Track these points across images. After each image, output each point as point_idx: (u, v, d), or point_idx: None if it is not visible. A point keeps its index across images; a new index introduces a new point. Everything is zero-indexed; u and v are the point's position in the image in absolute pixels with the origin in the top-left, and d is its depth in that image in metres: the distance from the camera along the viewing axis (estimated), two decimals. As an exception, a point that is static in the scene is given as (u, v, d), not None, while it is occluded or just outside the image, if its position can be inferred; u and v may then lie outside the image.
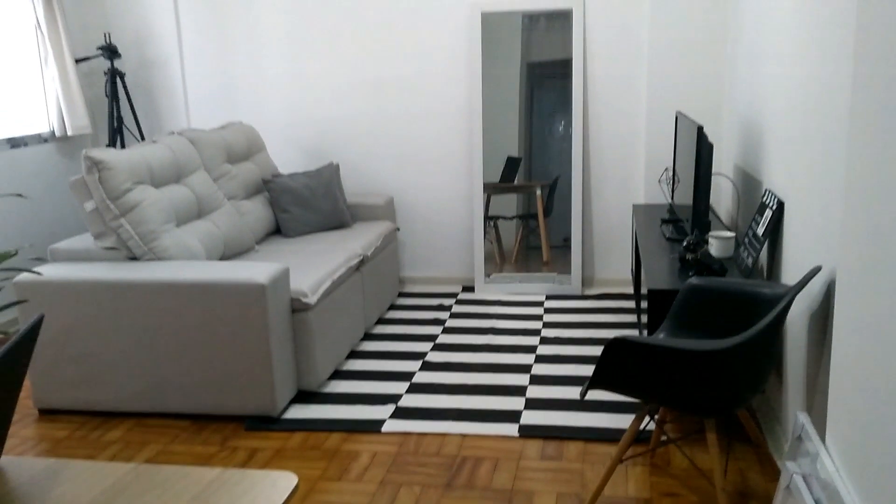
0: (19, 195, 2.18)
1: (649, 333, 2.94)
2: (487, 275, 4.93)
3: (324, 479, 2.86)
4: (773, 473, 2.79)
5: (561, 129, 4.78)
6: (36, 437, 3.25)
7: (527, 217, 4.93)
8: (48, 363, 3.38)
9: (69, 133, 4.82)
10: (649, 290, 2.98)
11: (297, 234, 4.39)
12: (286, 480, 1.28)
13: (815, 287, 2.52)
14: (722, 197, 4.35)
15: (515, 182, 4.89)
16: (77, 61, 4.87)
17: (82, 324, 3.31)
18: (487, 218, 4.93)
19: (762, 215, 3.09)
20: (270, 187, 4.43)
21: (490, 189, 4.89)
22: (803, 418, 2.28)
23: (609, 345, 2.34)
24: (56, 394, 3.41)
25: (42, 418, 3.42)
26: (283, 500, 1.22)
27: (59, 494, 1.26)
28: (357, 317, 4.00)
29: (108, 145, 4.99)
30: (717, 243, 3.33)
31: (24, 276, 3.32)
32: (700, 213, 3.33)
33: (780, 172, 3.00)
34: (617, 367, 2.39)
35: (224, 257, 3.82)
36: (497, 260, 4.97)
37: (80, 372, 3.37)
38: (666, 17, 4.41)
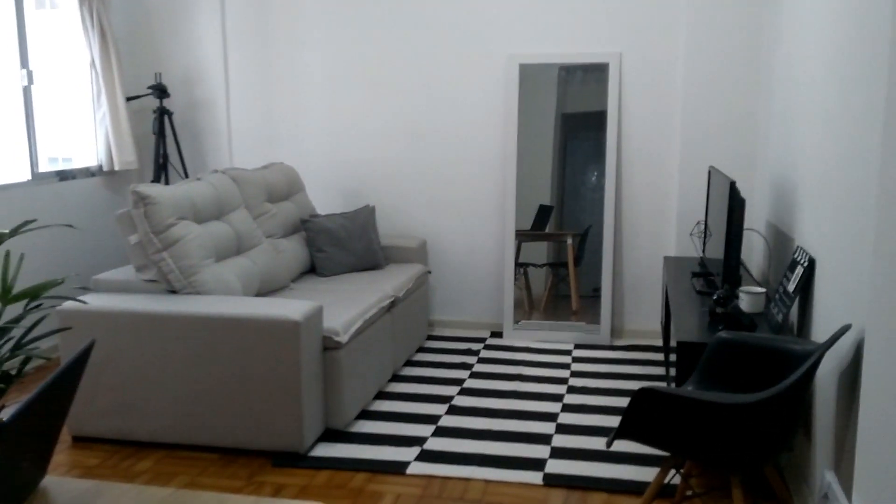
0: (69, 226, 2.27)
1: (677, 386, 2.94)
2: (516, 321, 4.96)
3: (348, 518, 2.87)
4: (800, 533, 2.76)
5: (594, 179, 4.84)
6: (68, 464, 3.32)
7: (557, 265, 4.97)
8: (85, 391, 3.46)
9: (116, 168, 4.98)
10: (678, 343, 2.99)
11: (332, 274, 4.47)
12: (317, 510, 1.31)
13: (845, 345, 2.52)
14: (753, 252, 4.35)
15: (547, 230, 4.94)
16: (128, 99, 5.05)
17: (120, 354, 3.40)
18: (518, 265, 4.97)
19: (793, 272, 3.10)
20: (308, 227, 4.52)
21: (521, 236, 4.95)
22: (830, 477, 2.27)
23: (637, 394, 2.36)
24: (90, 421, 3.48)
25: (75, 445, 3.49)
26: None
27: (101, 514, 1.31)
28: (386, 358, 4.05)
29: (153, 181, 5.14)
30: (748, 298, 3.34)
31: (68, 304, 3.43)
32: (731, 268, 3.34)
33: (812, 230, 3.01)
34: (644, 417, 2.40)
35: (260, 293, 3.90)
36: (526, 307, 5.01)
37: (114, 401, 3.44)
38: (700, 72, 4.48)
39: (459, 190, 5.03)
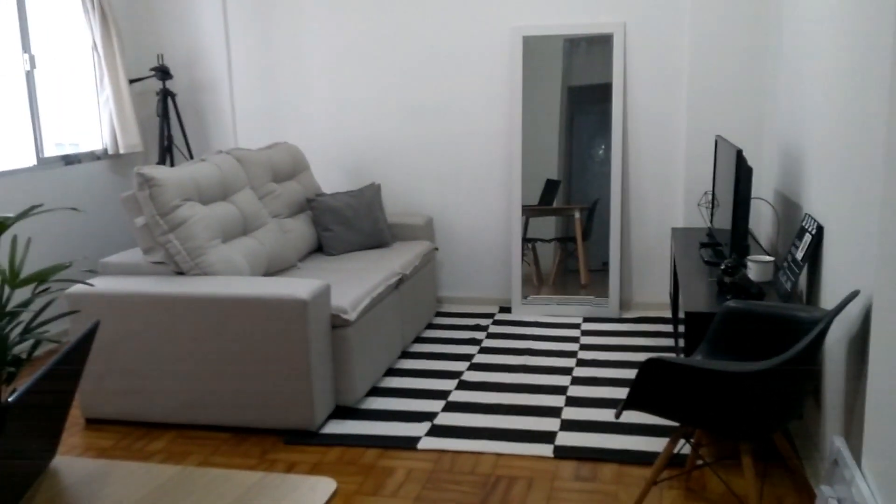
0: (74, 209, 2.27)
1: (686, 356, 2.94)
2: (525, 296, 4.96)
3: (360, 494, 2.90)
4: (810, 498, 2.77)
5: (601, 152, 4.81)
6: (82, 446, 3.35)
7: (565, 240, 4.95)
8: (96, 373, 3.48)
9: (121, 151, 4.98)
10: (687, 313, 2.99)
11: (339, 252, 4.47)
12: (325, 485, 1.32)
13: (854, 312, 2.51)
14: (761, 221, 4.33)
15: (554, 205, 4.92)
16: (131, 82, 5.04)
17: (130, 336, 3.42)
18: (526, 240, 4.96)
19: (801, 240, 3.08)
20: (314, 206, 4.52)
21: (529, 211, 4.93)
22: (839, 443, 2.27)
23: (645, 365, 2.36)
24: (103, 403, 3.51)
25: (89, 427, 3.52)
26: (322, 504, 1.26)
27: (109, 493, 1.32)
28: (395, 335, 4.06)
29: (158, 163, 5.14)
30: (756, 267, 3.32)
31: (76, 287, 3.44)
32: (739, 237, 3.33)
33: (820, 197, 2.99)
34: (653, 387, 2.40)
35: (267, 273, 3.91)
36: (535, 282, 5.00)
37: (126, 383, 3.47)
38: (706, 41, 4.43)
39: (465, 166, 5.01)
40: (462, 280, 5.14)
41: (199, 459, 3.20)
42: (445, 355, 4.22)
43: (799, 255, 3.06)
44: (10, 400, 1.09)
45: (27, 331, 3.20)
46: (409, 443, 3.25)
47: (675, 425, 3.32)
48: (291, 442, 3.30)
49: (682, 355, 3.46)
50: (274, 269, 3.97)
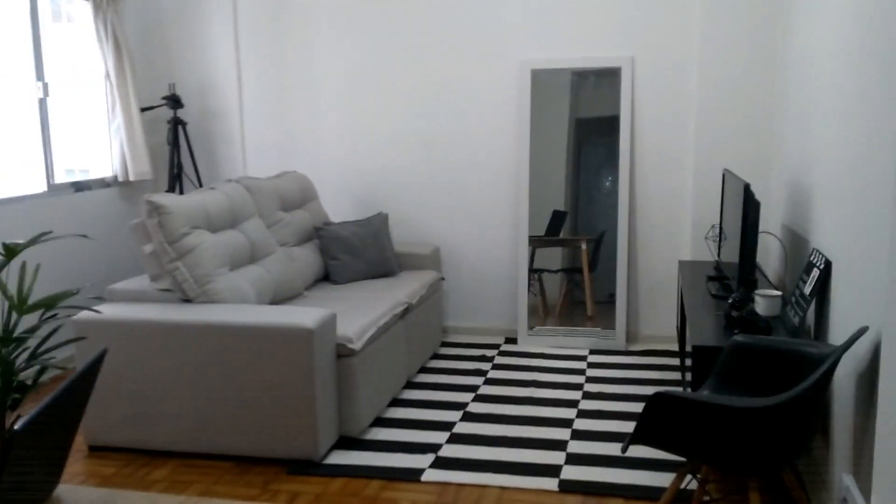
0: (84, 236, 2.28)
1: (693, 390, 2.92)
2: (531, 327, 4.94)
3: (363, 525, 2.87)
4: (820, 538, 2.73)
5: (608, 184, 4.82)
6: (85, 473, 3.33)
7: (572, 271, 4.95)
8: (101, 400, 3.47)
9: (131, 178, 5.01)
10: (694, 347, 2.97)
11: (346, 281, 4.47)
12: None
13: (862, 348, 2.49)
14: (769, 255, 4.32)
15: (561, 236, 4.93)
16: (142, 110, 5.08)
17: (135, 363, 3.41)
18: (532, 270, 4.96)
19: (809, 274, 3.07)
20: (321, 235, 4.53)
21: (535, 242, 4.94)
22: (848, 481, 2.25)
23: (652, 399, 2.34)
24: (106, 431, 3.50)
25: (92, 455, 3.50)
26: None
27: (113, 521, 1.31)
28: (400, 364, 4.04)
29: (168, 191, 5.17)
30: (764, 302, 3.31)
31: (83, 314, 3.45)
32: (746, 271, 3.32)
33: (828, 232, 2.99)
34: (659, 422, 2.38)
35: (274, 302, 3.91)
36: (541, 313, 4.99)
37: (129, 410, 3.45)
38: (714, 74, 4.46)
39: (473, 196, 5.02)
40: (468, 310, 5.13)
41: (202, 489, 3.18)
42: (451, 386, 4.20)
43: (807, 289, 3.04)
44: (16, 428, 1.09)
45: (33, 357, 3.19)
46: (413, 475, 3.22)
47: (681, 460, 3.28)
48: (294, 472, 3.28)
49: (688, 389, 3.43)
50: (281, 298, 3.97)
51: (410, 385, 4.23)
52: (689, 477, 3.08)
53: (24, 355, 3.05)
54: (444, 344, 4.96)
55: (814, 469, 2.98)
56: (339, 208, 5.24)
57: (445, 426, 3.69)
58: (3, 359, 2.97)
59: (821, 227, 3.11)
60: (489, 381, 4.27)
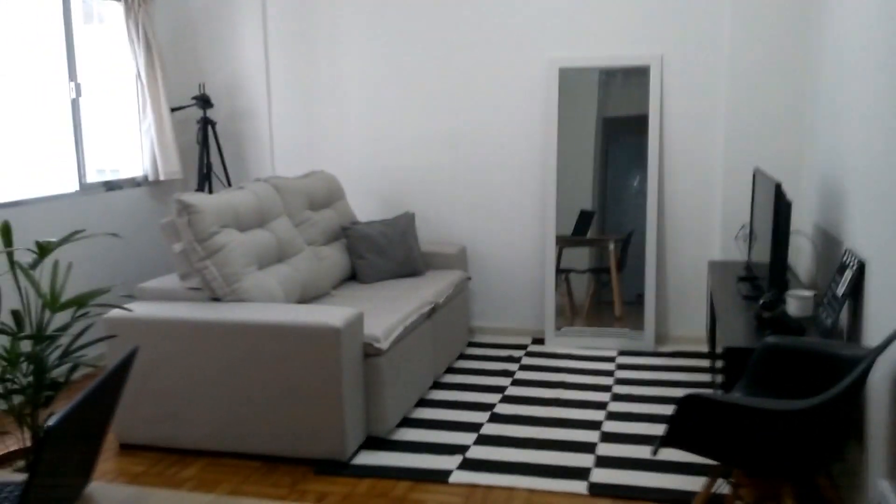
0: (115, 235, 2.30)
1: (725, 392, 2.88)
2: (558, 328, 4.91)
3: (390, 525, 2.86)
4: (854, 544, 2.68)
5: (635, 183, 4.78)
6: (115, 472, 3.36)
7: (599, 271, 4.92)
8: (131, 399, 3.51)
9: (161, 178, 5.06)
10: (725, 348, 2.93)
11: (372, 281, 4.48)
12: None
13: (899, 350, 2.44)
14: (801, 255, 4.26)
15: (588, 236, 4.89)
16: (173, 110, 5.13)
17: (164, 361, 3.44)
18: (559, 271, 4.93)
19: (842, 275, 3.02)
20: (349, 234, 4.54)
21: (562, 242, 4.91)
22: (884, 486, 2.20)
23: (683, 401, 2.31)
24: (136, 429, 3.53)
25: (122, 452, 3.53)
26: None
27: (144, 520, 1.32)
28: (427, 365, 4.04)
29: (197, 190, 5.21)
30: (796, 302, 3.26)
31: (114, 312, 3.48)
32: (778, 272, 3.27)
33: (862, 232, 2.94)
34: (691, 424, 2.35)
35: (302, 300, 3.92)
36: (568, 313, 4.96)
37: (159, 408, 3.48)
38: (744, 72, 4.41)
39: (499, 196, 5.01)
40: (495, 310, 5.12)
41: (230, 488, 3.19)
42: (478, 387, 4.19)
43: (840, 290, 2.99)
44: (50, 424, 1.10)
45: (65, 354, 3.22)
46: (441, 476, 3.22)
47: (713, 464, 3.24)
48: (322, 472, 3.28)
49: (720, 391, 3.39)
50: (308, 297, 3.98)
51: (437, 385, 4.22)
52: (720, 481, 3.04)
53: (57, 353, 3.09)
54: (471, 344, 4.95)
55: (849, 473, 2.93)
56: (366, 207, 5.25)
57: (473, 427, 3.67)
58: (36, 356, 3.01)
59: (854, 226, 3.06)
60: (516, 382, 4.25)
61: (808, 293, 3.29)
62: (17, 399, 3.01)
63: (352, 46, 5.14)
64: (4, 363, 2.97)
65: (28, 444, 3.13)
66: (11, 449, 3.24)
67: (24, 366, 3.01)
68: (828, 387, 2.61)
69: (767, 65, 4.37)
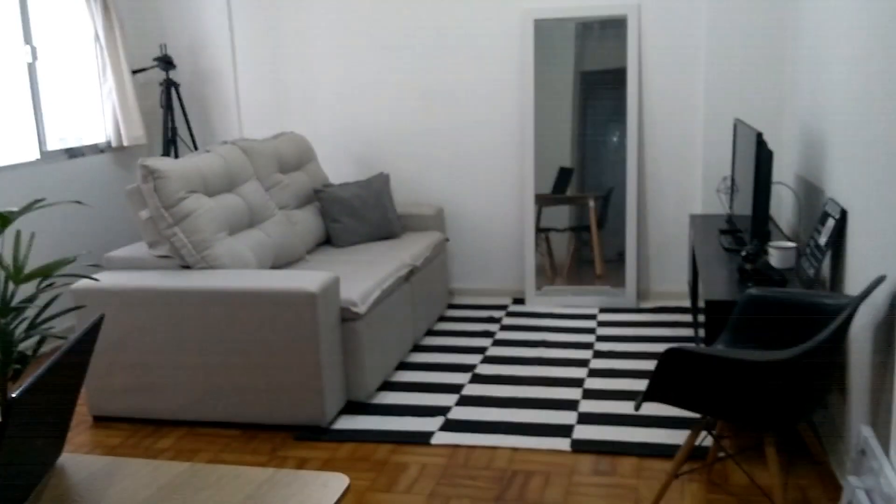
0: (78, 202, 2.21)
1: (707, 346, 2.86)
2: (538, 287, 4.87)
3: (372, 490, 2.83)
4: (835, 491, 2.69)
5: (615, 139, 4.72)
6: (90, 444, 3.29)
7: (579, 229, 4.87)
8: (103, 370, 3.42)
9: (125, 143, 4.92)
10: (707, 302, 2.90)
11: (347, 244, 4.40)
12: (337, 481, 1.26)
13: (880, 297, 2.42)
14: (782, 206, 4.24)
15: (568, 193, 4.84)
16: (133, 72, 4.97)
17: (136, 331, 3.35)
18: (539, 230, 4.88)
19: (824, 224, 2.99)
20: (321, 197, 4.45)
21: (542, 200, 4.85)
22: (867, 432, 2.19)
23: (665, 355, 2.28)
24: (110, 401, 3.45)
25: (96, 425, 3.46)
26: (334, 501, 1.20)
27: (118, 491, 1.27)
28: (406, 328, 3.99)
29: (163, 155, 5.07)
30: (778, 254, 3.23)
31: (81, 282, 3.38)
32: (759, 223, 3.24)
33: (843, 180, 2.90)
34: (673, 378, 2.32)
35: (274, 266, 3.84)
36: (548, 273, 4.92)
37: (133, 379, 3.40)
38: (723, 21, 4.33)
39: (476, 154, 4.92)
40: (474, 271, 5.06)
41: (209, 457, 3.14)
42: (458, 348, 4.15)
43: (822, 240, 2.97)
44: (13, 396, 1.03)
45: (32, 327, 3.12)
46: (423, 438, 3.18)
47: (696, 417, 3.24)
48: (302, 438, 3.24)
49: (702, 345, 3.37)
50: (281, 262, 3.90)
51: (417, 348, 4.18)
52: (703, 434, 3.03)
53: (23, 326, 2.99)
54: (451, 306, 4.90)
55: (831, 422, 2.93)
56: (338, 169, 5.14)
57: (454, 389, 3.64)
58: (2, 329, 2.91)
59: (835, 175, 3.03)
60: (497, 343, 4.21)
61: (790, 244, 3.27)
62: (-16, 374, 2.92)
63: (319, 1, 4.99)
64: (-32, 337, 2.87)
65: (-3, 419, 3.04)
66: (-20, 425, 3.16)
67: (-12, 339, 2.91)
68: (811, 337, 2.59)
69: (747, 12, 4.30)
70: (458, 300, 5.02)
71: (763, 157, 3.17)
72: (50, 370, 1.16)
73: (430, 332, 4.42)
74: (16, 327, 3.08)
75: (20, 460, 1.14)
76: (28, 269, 3.11)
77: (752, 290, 2.72)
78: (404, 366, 3.93)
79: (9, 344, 3.02)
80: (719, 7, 4.33)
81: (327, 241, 4.50)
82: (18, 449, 1.12)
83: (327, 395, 3.25)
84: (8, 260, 3.14)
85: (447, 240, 4.90)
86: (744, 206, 3.51)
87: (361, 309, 3.37)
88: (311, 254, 4.25)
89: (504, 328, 4.44)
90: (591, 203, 4.81)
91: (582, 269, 4.89)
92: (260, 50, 5.12)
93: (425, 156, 4.99)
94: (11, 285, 3.10)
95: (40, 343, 3.20)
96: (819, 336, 2.21)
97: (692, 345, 3.61)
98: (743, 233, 3.54)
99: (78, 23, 4.80)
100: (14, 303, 3.01)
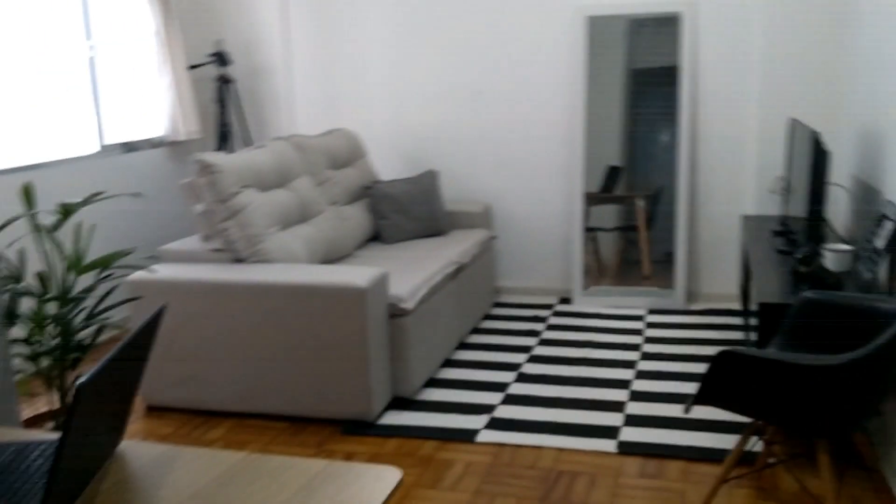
0: (137, 194, 2.26)
1: (759, 349, 2.81)
2: (585, 287, 4.85)
3: (418, 486, 2.85)
4: (889, 501, 2.63)
5: (666, 137, 4.66)
6: (143, 433, 3.37)
7: (627, 229, 4.83)
8: (156, 361, 3.50)
9: (180, 138, 5.01)
10: (760, 304, 2.86)
11: (396, 241, 4.42)
12: (390, 475, 1.27)
13: (944, 304, 2.35)
14: (837, 208, 4.14)
15: (616, 192, 4.80)
16: (190, 68, 5.06)
17: (188, 323, 3.42)
18: (586, 229, 4.85)
19: (881, 227, 2.92)
20: (371, 193, 4.48)
21: (590, 199, 4.82)
22: (930, 443, 2.14)
23: (718, 357, 2.25)
24: (163, 391, 3.53)
25: (149, 415, 3.54)
26: (387, 494, 1.21)
27: (176, 479, 1.29)
28: (452, 325, 4.00)
29: (216, 150, 5.16)
30: (833, 256, 3.17)
31: (137, 274, 3.46)
32: (814, 225, 3.18)
33: (905, 183, 2.83)
34: (725, 381, 2.29)
35: (324, 261, 3.88)
36: (595, 273, 4.88)
37: (185, 370, 3.47)
38: (780, 19, 4.25)
39: (525, 152, 4.91)
40: (521, 269, 5.05)
41: (257, 448, 3.19)
42: (504, 347, 4.15)
43: (879, 243, 2.90)
44: (81, 381, 1.06)
45: (91, 317, 3.21)
46: (468, 435, 3.19)
47: (746, 421, 3.19)
48: (349, 432, 3.27)
49: (754, 348, 3.32)
50: (331, 257, 3.94)
51: (463, 346, 4.19)
52: (753, 438, 2.99)
53: (82, 316, 3.07)
54: (497, 304, 4.90)
55: (886, 430, 2.86)
56: (388, 166, 5.17)
57: (499, 387, 3.64)
58: (62, 318, 3.00)
59: (894, 176, 2.95)
60: (543, 342, 4.20)
61: (846, 247, 3.20)
62: (45, 361, 3.01)
63: (373, 1, 5.02)
64: (31, 325, 2.96)
65: (57, 405, 3.13)
66: (41, 411, 3.26)
67: (50, 328, 3.00)
68: (866, 342, 2.53)
69: (804, 11, 4.21)
70: (504, 298, 5.02)
71: (819, 158, 3.11)
72: (114, 358, 1.19)
73: (476, 330, 4.42)
74: (75, 317, 3.17)
75: (84, 446, 1.18)
76: (87, 260, 3.20)
77: (808, 293, 2.67)
78: (450, 363, 3.95)
79: (68, 333, 3.11)
80: (776, 4, 4.25)
81: (376, 237, 4.53)
82: (83, 434, 1.16)
83: (374, 389, 3.28)
84: (69, 251, 3.23)
85: (494, 237, 4.89)
86: (798, 208, 3.44)
87: (409, 305, 3.39)
88: (360, 250, 4.29)
89: (550, 327, 4.42)
90: (640, 202, 4.76)
91: (629, 269, 4.84)
92: (314, 47, 5.18)
93: (474, 153, 4.99)
94: (72, 276, 3.19)
95: (98, 333, 3.28)
96: (875, 341, 2.17)
97: (745, 348, 3.55)
98: (797, 234, 3.47)
99: (138, 19, 4.91)
100: (73, 293, 3.09)
